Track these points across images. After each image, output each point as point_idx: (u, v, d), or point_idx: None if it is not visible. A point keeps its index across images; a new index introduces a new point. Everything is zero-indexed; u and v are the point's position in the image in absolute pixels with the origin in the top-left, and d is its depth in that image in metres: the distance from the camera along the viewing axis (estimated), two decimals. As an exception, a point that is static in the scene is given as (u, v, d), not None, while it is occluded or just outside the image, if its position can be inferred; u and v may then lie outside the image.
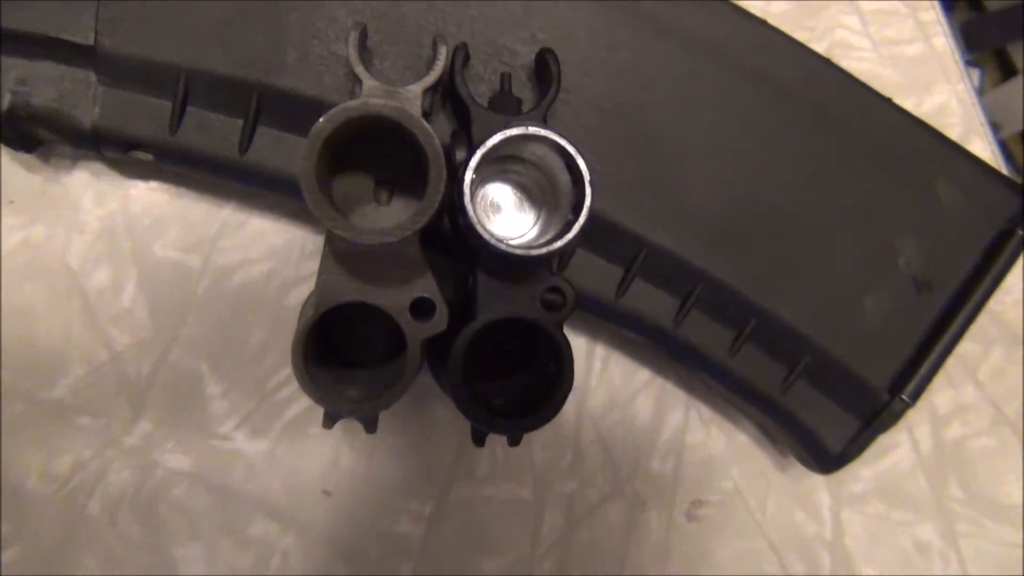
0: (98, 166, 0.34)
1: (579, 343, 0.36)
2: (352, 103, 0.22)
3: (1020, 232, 0.31)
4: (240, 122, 0.30)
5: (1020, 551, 0.37)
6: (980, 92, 1.62)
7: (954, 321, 0.31)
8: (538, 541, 0.35)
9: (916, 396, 0.31)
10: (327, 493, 0.35)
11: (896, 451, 0.37)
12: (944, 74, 0.37)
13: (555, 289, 0.26)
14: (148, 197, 0.34)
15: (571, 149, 0.23)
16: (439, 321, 0.25)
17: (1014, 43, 1.54)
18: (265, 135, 0.30)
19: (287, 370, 0.34)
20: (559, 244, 0.23)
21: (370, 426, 0.28)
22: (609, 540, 0.36)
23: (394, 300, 0.25)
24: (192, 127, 0.30)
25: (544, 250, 0.23)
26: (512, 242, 0.24)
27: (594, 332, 0.36)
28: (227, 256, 0.34)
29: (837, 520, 0.37)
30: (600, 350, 0.36)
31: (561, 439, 0.36)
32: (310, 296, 0.28)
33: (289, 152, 0.30)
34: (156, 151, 0.30)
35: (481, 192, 0.28)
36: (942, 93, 0.37)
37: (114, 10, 0.29)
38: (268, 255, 0.34)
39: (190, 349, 0.34)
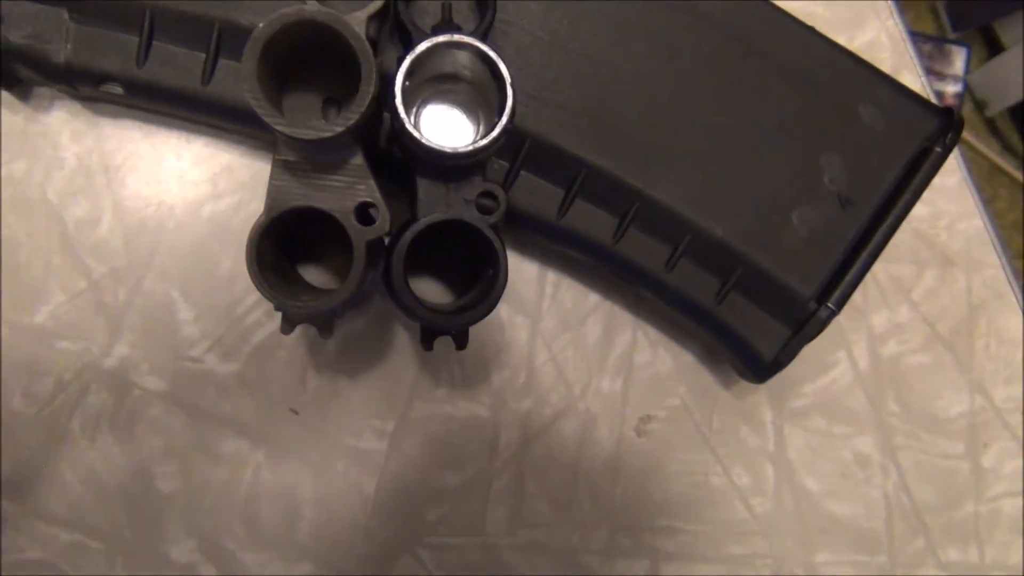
0: (75, 106, 0.36)
1: (531, 269, 0.38)
2: (288, 9, 0.24)
3: (937, 149, 0.33)
4: (202, 56, 0.32)
5: (955, 461, 0.39)
6: (967, 70, 1.63)
7: (875, 234, 0.33)
8: (496, 456, 0.37)
9: (841, 304, 0.33)
10: (294, 412, 0.37)
11: (835, 368, 0.39)
12: (874, 11, 0.39)
13: (488, 194, 0.28)
14: (121, 134, 0.36)
15: (492, 54, 0.25)
16: (382, 224, 0.28)
17: (1000, 20, 1.56)
18: (226, 68, 0.32)
19: (254, 296, 0.36)
20: (484, 142, 0.25)
21: (324, 331, 0.31)
22: (563, 454, 0.38)
23: (339, 205, 0.27)
24: (158, 60, 0.32)
25: (471, 147, 0.25)
26: (442, 143, 0.26)
27: (545, 259, 0.38)
28: (196, 189, 0.36)
29: (780, 434, 0.39)
30: (551, 275, 0.38)
31: (516, 360, 0.38)
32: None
33: (249, 84, 0.32)
34: (125, 84, 0.32)
35: (423, 112, 0.30)
36: (873, 29, 0.39)
37: (83, -49, 0.31)
38: (235, 188, 0.36)
39: (163, 277, 0.36)
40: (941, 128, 0.34)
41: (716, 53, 0.33)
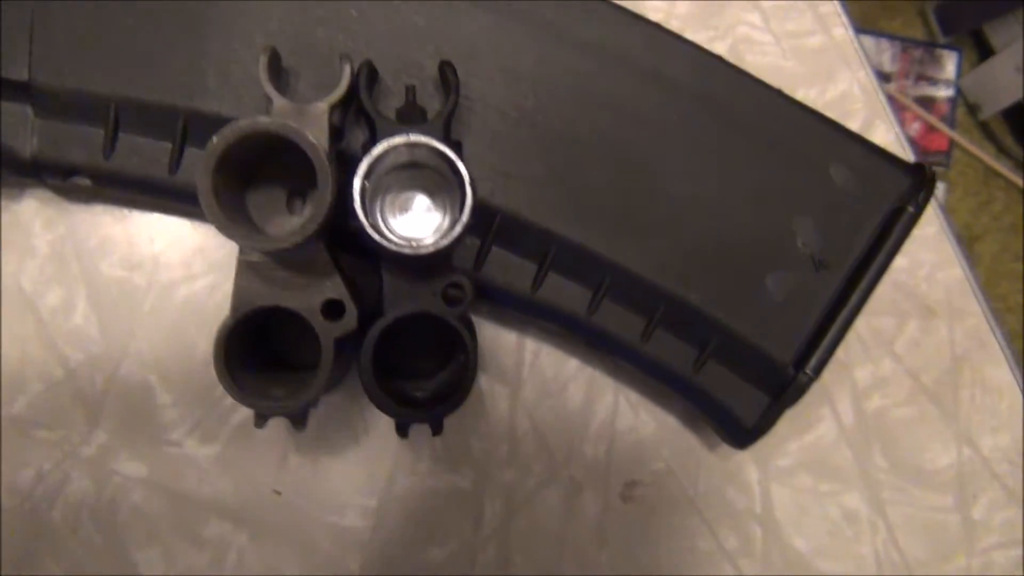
0: (45, 194, 0.36)
1: (509, 338, 0.38)
2: (242, 121, 0.24)
3: (910, 209, 0.33)
4: (169, 145, 0.32)
5: (944, 514, 0.38)
6: (959, 74, 1.63)
7: (851, 296, 0.33)
8: (480, 528, 0.37)
9: (819, 370, 0.33)
10: (277, 492, 0.36)
11: (820, 425, 0.39)
12: (845, 62, 0.39)
13: (455, 284, 0.28)
14: (93, 220, 0.36)
15: (449, 153, 0.25)
16: (349, 320, 0.27)
17: (990, 23, 1.56)
18: (193, 156, 0.32)
19: (232, 377, 0.36)
20: (445, 242, 0.25)
21: (298, 423, 0.30)
22: (548, 524, 0.37)
23: (306, 303, 0.27)
24: (125, 152, 0.32)
25: (432, 247, 0.25)
26: (402, 242, 0.26)
27: (523, 327, 0.38)
28: (170, 272, 0.36)
29: (766, 494, 0.38)
30: (530, 343, 0.38)
31: (497, 430, 0.37)
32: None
33: (216, 171, 0.32)
34: (93, 176, 0.32)
35: (387, 199, 0.30)
36: (844, 81, 0.39)
37: (45, 47, 0.31)
38: (208, 269, 0.36)
39: (140, 362, 0.36)
40: (913, 186, 0.34)
41: (683, 120, 0.33)
